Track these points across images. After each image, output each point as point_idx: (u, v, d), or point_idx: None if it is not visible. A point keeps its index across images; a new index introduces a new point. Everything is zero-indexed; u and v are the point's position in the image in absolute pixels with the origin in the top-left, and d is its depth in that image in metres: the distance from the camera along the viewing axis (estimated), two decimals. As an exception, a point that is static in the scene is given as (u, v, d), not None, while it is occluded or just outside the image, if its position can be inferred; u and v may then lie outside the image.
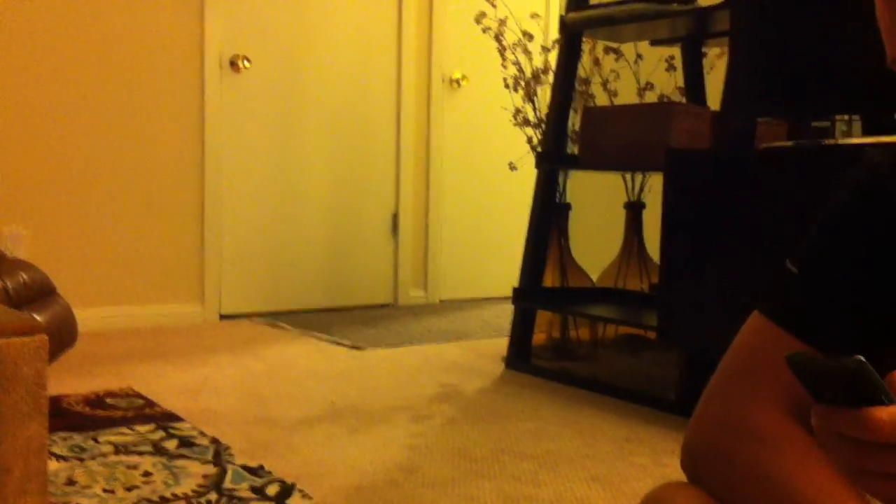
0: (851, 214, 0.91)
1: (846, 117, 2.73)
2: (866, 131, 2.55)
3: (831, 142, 2.56)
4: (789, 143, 2.60)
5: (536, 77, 3.67)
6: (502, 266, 4.78)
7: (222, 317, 4.18)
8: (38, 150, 3.72)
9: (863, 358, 0.58)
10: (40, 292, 2.74)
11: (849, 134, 2.68)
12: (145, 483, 1.97)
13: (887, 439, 0.60)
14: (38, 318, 2.50)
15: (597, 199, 4.51)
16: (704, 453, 0.91)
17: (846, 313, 0.87)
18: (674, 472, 2.16)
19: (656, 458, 2.27)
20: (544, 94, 3.65)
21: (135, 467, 2.07)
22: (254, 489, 1.95)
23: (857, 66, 2.33)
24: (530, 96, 3.65)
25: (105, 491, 1.92)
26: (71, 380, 2.90)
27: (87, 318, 3.47)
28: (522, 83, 3.65)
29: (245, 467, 2.09)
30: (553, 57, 3.46)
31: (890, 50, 0.73)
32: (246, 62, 4.18)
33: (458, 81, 4.90)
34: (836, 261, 0.89)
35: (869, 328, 0.85)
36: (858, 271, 0.87)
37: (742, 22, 2.66)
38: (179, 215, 4.06)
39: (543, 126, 3.49)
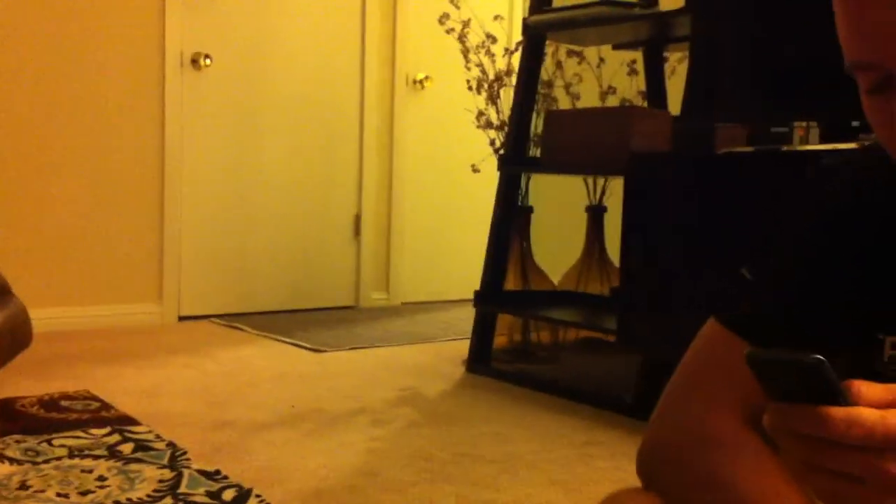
0: (806, 223, 0.92)
1: (805, 123, 2.75)
2: (824, 138, 2.58)
3: (790, 148, 2.58)
4: (749, 149, 2.62)
5: (499, 79, 3.67)
6: (464, 269, 4.78)
7: (181, 318, 4.14)
8: (-6, 148, 3.66)
9: (822, 357, 0.58)
10: (-6, 293, 2.69)
11: (807, 140, 2.71)
12: (100, 487, 1.94)
13: (840, 438, 0.61)
14: (-9, 318, 2.45)
15: (558, 203, 4.52)
16: (659, 458, 0.92)
17: (800, 320, 0.87)
18: (632, 475, 2.16)
19: (615, 461, 2.28)
20: (507, 97, 3.65)
21: (89, 471, 2.04)
22: (210, 494, 1.93)
23: (817, 72, 2.35)
24: (493, 98, 3.66)
25: (59, 495, 1.88)
26: (25, 381, 2.86)
27: (42, 318, 3.41)
28: (486, 85, 3.66)
29: (201, 472, 2.07)
30: (516, 59, 3.46)
31: (847, 55, 0.74)
32: (207, 60, 4.14)
33: (421, 82, 4.90)
34: (791, 268, 0.90)
35: (822, 334, 0.86)
36: (812, 278, 0.88)
37: (702, 27, 2.68)
38: (138, 214, 4.01)
39: (506, 128, 3.49)
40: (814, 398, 0.60)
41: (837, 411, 0.60)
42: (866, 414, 0.60)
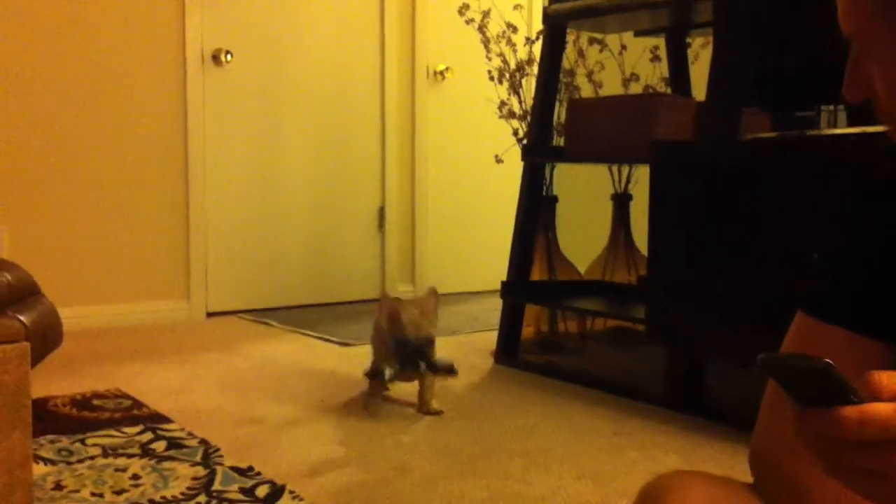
0: (871, 203, 0.93)
1: (831, 107, 2.72)
2: (851, 121, 2.55)
3: (815, 132, 2.56)
4: (774, 134, 2.60)
5: (521, 69, 3.66)
6: (489, 260, 4.77)
7: (209, 314, 4.17)
8: (19, 148, 3.69)
9: (830, 361, 0.60)
10: (24, 293, 2.71)
11: (833, 124, 2.68)
12: (134, 486, 1.96)
13: (856, 437, 0.61)
14: (22, 319, 2.48)
15: (583, 192, 4.50)
16: (759, 465, 0.94)
17: (880, 296, 0.88)
18: (663, 467, 2.16)
19: (645, 452, 2.27)
20: (529, 86, 3.64)
21: (123, 470, 2.06)
22: (244, 491, 1.94)
23: (842, 55, 2.33)
24: (515, 88, 3.64)
25: (93, 495, 1.90)
26: (57, 381, 2.88)
27: (71, 317, 3.44)
28: (507, 75, 3.64)
29: (234, 468, 2.08)
30: (537, 48, 3.45)
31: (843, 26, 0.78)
32: (228, 56, 4.15)
33: (442, 73, 4.89)
34: (863, 245, 0.91)
35: None
36: (885, 254, 0.89)
37: (726, 12, 2.65)
38: (163, 211, 4.04)
39: (529, 118, 3.48)
40: (828, 399, 0.62)
41: (850, 411, 0.61)
42: (879, 410, 0.61)
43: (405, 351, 2.53)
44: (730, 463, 2.18)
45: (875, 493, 0.64)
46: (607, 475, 2.10)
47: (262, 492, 1.94)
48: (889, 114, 0.80)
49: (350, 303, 4.59)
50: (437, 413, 2.59)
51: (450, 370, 2.57)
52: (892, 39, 0.76)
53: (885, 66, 0.78)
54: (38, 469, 2.04)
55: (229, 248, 4.26)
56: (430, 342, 2.55)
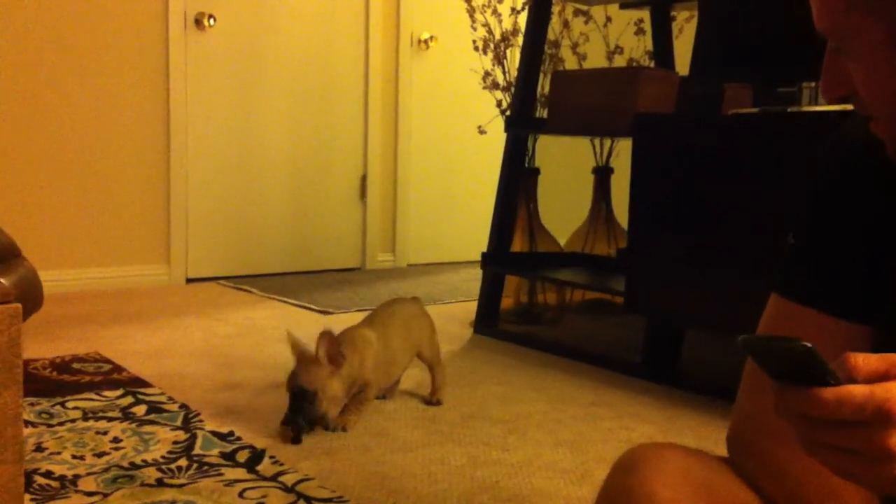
0: (836, 186, 0.93)
1: (813, 84, 2.74)
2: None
3: (797, 108, 2.57)
4: (755, 110, 2.61)
5: (506, 39, 3.65)
6: (470, 230, 4.79)
7: (188, 280, 4.16)
8: (0, 111, 3.66)
9: (811, 343, 0.62)
10: (5, 255, 2.70)
11: (815, 100, 2.70)
12: (115, 449, 1.97)
13: (833, 416, 0.64)
14: (3, 281, 2.48)
15: (565, 164, 4.52)
16: (737, 448, 0.95)
17: (851, 278, 0.90)
18: (639, 436, 2.20)
19: (622, 421, 2.30)
20: (514, 57, 3.64)
21: (104, 433, 2.07)
22: (224, 455, 1.96)
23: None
24: (499, 59, 3.64)
25: (74, 457, 1.91)
26: (37, 344, 2.88)
27: (52, 280, 3.44)
28: (492, 45, 3.64)
29: (215, 433, 2.09)
30: (523, 19, 3.44)
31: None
32: (211, 20, 4.12)
33: (426, 42, 4.87)
34: (834, 230, 0.92)
35: (874, 289, 0.88)
36: (855, 237, 0.90)
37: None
38: (145, 176, 4.02)
39: (512, 89, 3.48)
40: (807, 379, 0.65)
41: (828, 392, 0.64)
42: (855, 391, 0.64)
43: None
44: (705, 433, 2.21)
45: (850, 470, 0.66)
46: (584, 443, 2.13)
47: (242, 456, 1.96)
48: (869, 109, 0.80)
49: (330, 271, 4.60)
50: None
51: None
52: (868, 32, 0.75)
53: (862, 60, 0.77)
54: (19, 431, 2.05)
55: (210, 214, 4.25)
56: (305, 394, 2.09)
